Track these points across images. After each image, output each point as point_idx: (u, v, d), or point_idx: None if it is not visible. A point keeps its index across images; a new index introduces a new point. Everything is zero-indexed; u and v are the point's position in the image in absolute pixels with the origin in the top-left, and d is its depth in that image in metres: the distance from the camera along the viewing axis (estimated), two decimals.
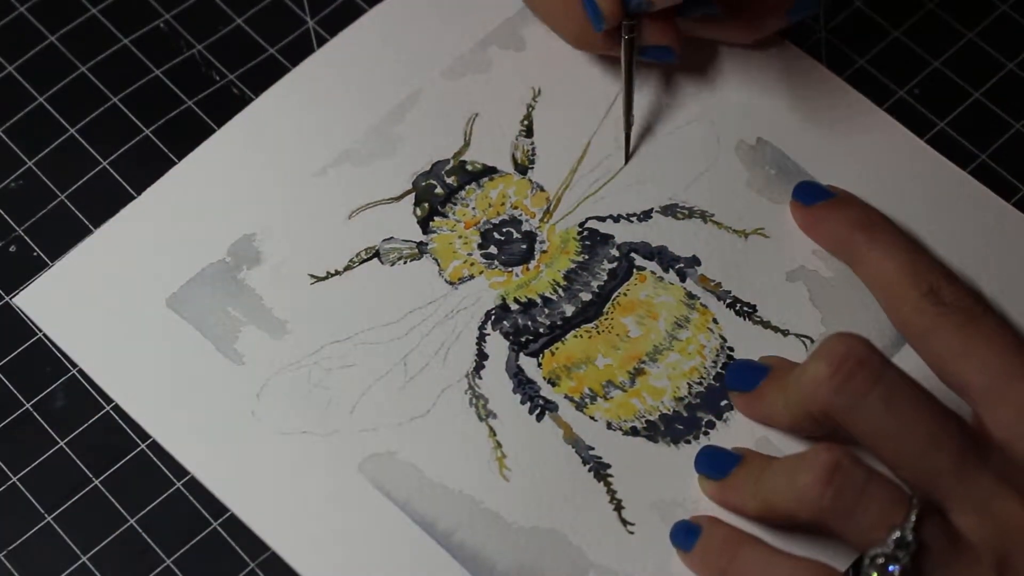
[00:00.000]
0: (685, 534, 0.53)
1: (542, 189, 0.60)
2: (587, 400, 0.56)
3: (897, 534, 0.48)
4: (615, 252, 0.59)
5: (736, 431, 0.55)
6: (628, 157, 0.60)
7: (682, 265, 0.58)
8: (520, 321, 0.57)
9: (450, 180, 0.60)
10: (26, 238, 0.59)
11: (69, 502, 0.54)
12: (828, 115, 0.61)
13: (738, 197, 0.60)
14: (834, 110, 0.62)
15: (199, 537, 0.54)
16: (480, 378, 0.56)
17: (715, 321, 0.57)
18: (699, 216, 0.59)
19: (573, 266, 0.58)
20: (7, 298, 0.58)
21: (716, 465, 0.54)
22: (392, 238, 0.59)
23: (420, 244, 0.59)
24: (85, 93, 0.61)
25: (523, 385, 0.56)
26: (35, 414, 0.56)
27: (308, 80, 0.62)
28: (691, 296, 0.58)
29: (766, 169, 0.60)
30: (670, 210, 0.60)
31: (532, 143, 0.61)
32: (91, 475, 0.55)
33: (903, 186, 0.60)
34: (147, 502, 0.54)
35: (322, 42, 0.63)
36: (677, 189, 0.60)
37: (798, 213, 0.59)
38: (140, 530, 0.54)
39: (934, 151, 0.61)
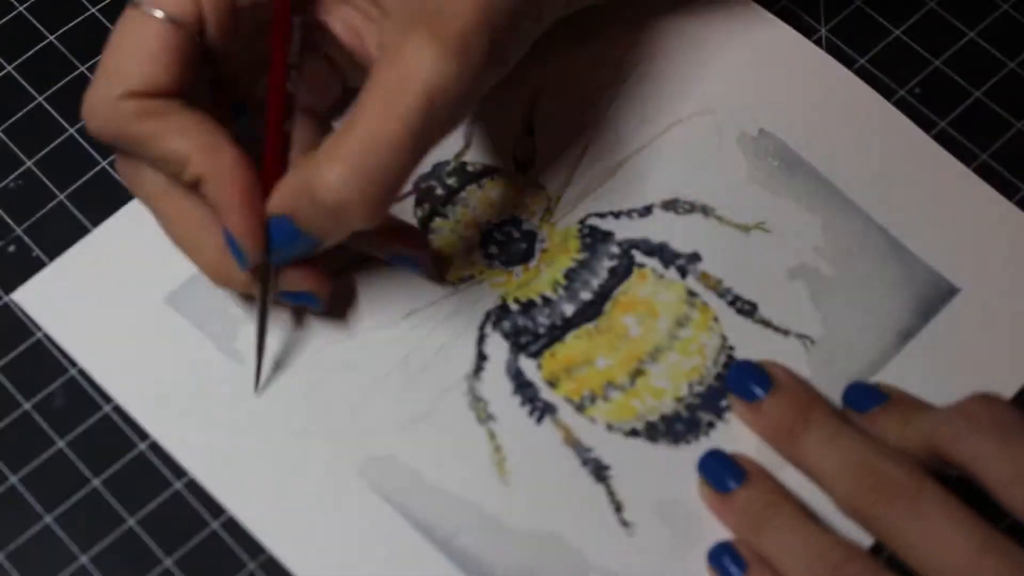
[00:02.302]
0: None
1: (543, 187, 0.60)
2: (587, 402, 0.56)
3: None
4: (615, 249, 0.59)
5: (737, 431, 0.55)
6: (257, 386, 0.56)
7: (683, 262, 0.58)
8: (520, 322, 0.57)
9: (451, 181, 0.60)
10: (26, 238, 0.59)
11: (69, 502, 0.54)
12: (832, 105, 0.61)
13: (740, 190, 0.60)
14: (838, 100, 0.62)
15: (199, 537, 0.54)
16: (480, 380, 0.56)
17: (716, 320, 0.57)
18: (700, 211, 0.59)
19: (573, 265, 0.58)
20: (7, 298, 0.58)
21: (719, 476, 0.54)
22: None
23: None
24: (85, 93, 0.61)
25: (523, 387, 0.56)
26: (35, 414, 0.56)
27: None
28: (692, 294, 0.58)
29: (768, 161, 0.60)
30: (671, 205, 0.59)
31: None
32: (91, 475, 0.55)
33: (906, 180, 0.60)
34: (147, 502, 0.54)
35: None
36: (678, 183, 0.60)
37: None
38: (140, 530, 0.54)
39: (937, 144, 0.61)
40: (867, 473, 0.51)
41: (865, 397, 0.54)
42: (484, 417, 0.56)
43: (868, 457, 0.51)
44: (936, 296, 0.58)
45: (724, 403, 0.56)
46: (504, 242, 0.59)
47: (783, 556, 0.51)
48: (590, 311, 0.58)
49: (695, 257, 0.58)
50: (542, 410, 0.56)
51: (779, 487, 0.53)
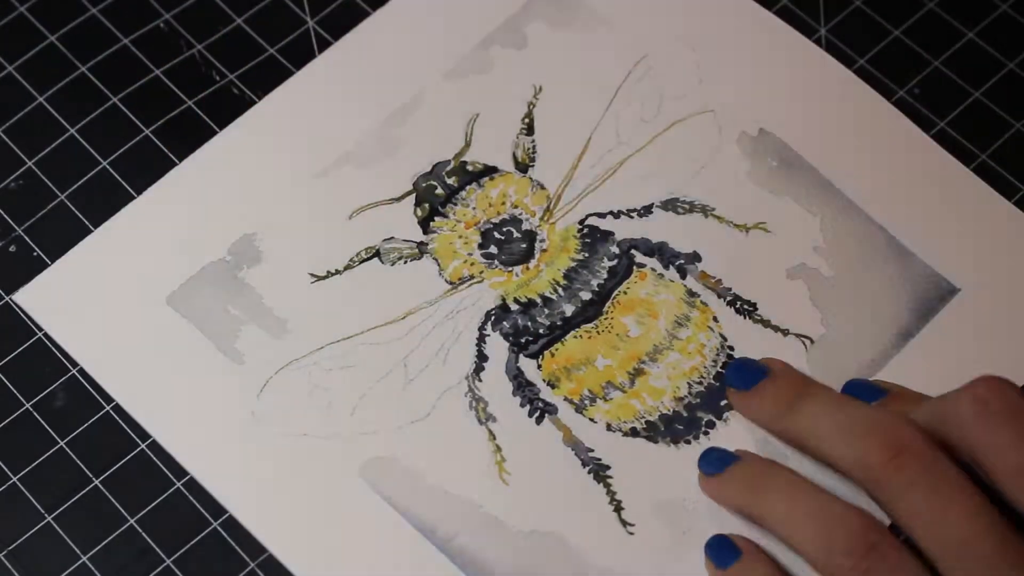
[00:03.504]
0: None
1: (543, 187, 0.60)
2: (587, 402, 0.56)
3: None
4: (615, 249, 0.59)
5: (736, 431, 0.55)
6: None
7: (682, 261, 0.58)
8: (520, 322, 0.57)
9: (451, 180, 0.60)
10: (26, 238, 0.59)
11: (69, 502, 0.54)
12: (832, 105, 0.61)
13: (739, 190, 0.60)
14: (838, 100, 0.62)
15: (199, 537, 0.54)
16: (480, 380, 0.56)
17: (715, 319, 0.57)
18: (700, 210, 0.59)
19: (573, 264, 0.58)
20: (7, 298, 0.58)
21: (715, 461, 0.54)
22: (392, 238, 0.59)
23: (420, 244, 0.59)
24: (85, 93, 0.61)
25: (523, 387, 0.56)
26: (35, 414, 0.56)
27: (310, 84, 0.62)
28: (691, 294, 0.58)
29: (768, 161, 0.60)
30: (671, 204, 0.59)
31: (533, 141, 0.61)
32: (91, 475, 0.55)
33: (906, 180, 0.60)
34: (147, 502, 0.54)
35: (322, 42, 0.63)
36: (678, 183, 0.60)
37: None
38: (140, 530, 0.54)
39: (936, 144, 0.61)
40: (878, 431, 0.48)
41: (864, 392, 0.54)
42: (484, 417, 0.56)
43: (878, 417, 0.49)
44: (936, 296, 0.58)
45: (724, 402, 0.56)
46: (504, 242, 0.59)
47: (790, 520, 0.49)
48: (590, 311, 0.58)
49: (695, 257, 0.58)
50: (542, 410, 0.56)
51: (771, 460, 0.53)
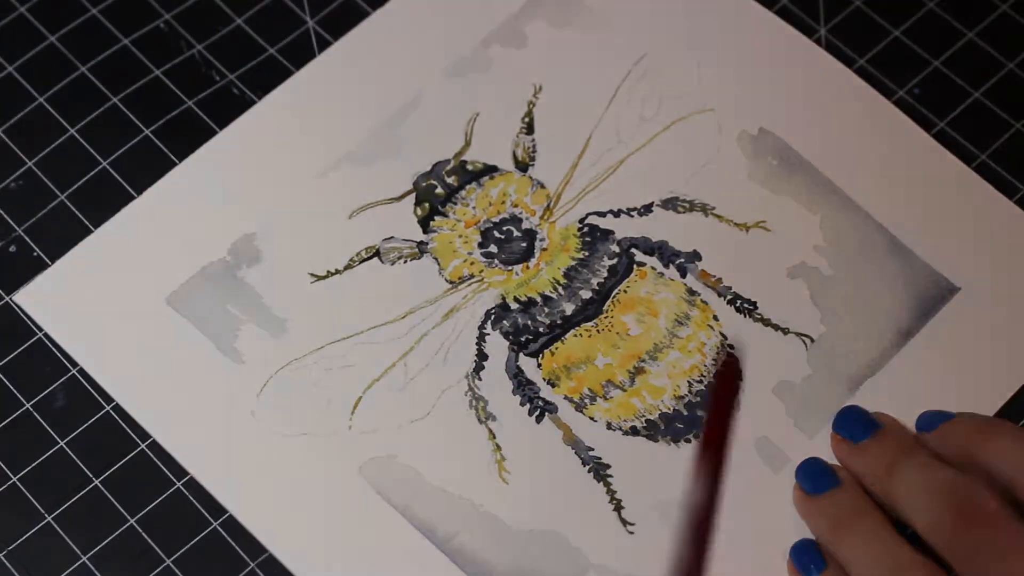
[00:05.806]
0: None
1: (543, 186, 0.60)
2: (587, 400, 0.56)
3: None
4: (615, 248, 0.59)
5: (735, 431, 0.55)
6: None
7: (682, 260, 0.58)
8: (520, 320, 0.57)
9: (451, 180, 0.60)
10: (26, 238, 0.59)
11: (69, 502, 0.54)
12: (833, 104, 0.61)
13: (740, 189, 0.60)
14: (839, 99, 0.62)
15: (199, 537, 0.54)
16: (480, 379, 0.56)
17: (715, 318, 0.57)
18: (700, 209, 0.59)
19: (573, 263, 0.58)
20: (7, 298, 0.58)
21: (815, 479, 0.54)
22: (392, 237, 0.59)
23: (420, 243, 0.59)
24: (85, 93, 0.61)
25: (523, 386, 0.56)
26: (35, 414, 0.56)
27: (310, 84, 0.62)
28: (691, 292, 0.58)
29: (768, 160, 0.60)
30: (671, 203, 0.59)
31: (533, 140, 0.61)
32: (91, 475, 0.55)
33: (906, 179, 0.60)
34: (147, 502, 0.54)
35: (322, 42, 0.63)
36: (678, 182, 0.60)
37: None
38: (140, 530, 0.54)
39: (937, 143, 0.61)
40: (954, 498, 0.49)
41: (934, 418, 0.54)
42: (484, 416, 0.56)
43: (956, 483, 0.50)
44: (936, 295, 0.58)
45: None
46: (504, 241, 0.59)
47: (861, 562, 0.51)
48: (590, 310, 0.58)
49: (695, 255, 0.58)
50: (542, 409, 0.56)
51: (867, 496, 0.53)
